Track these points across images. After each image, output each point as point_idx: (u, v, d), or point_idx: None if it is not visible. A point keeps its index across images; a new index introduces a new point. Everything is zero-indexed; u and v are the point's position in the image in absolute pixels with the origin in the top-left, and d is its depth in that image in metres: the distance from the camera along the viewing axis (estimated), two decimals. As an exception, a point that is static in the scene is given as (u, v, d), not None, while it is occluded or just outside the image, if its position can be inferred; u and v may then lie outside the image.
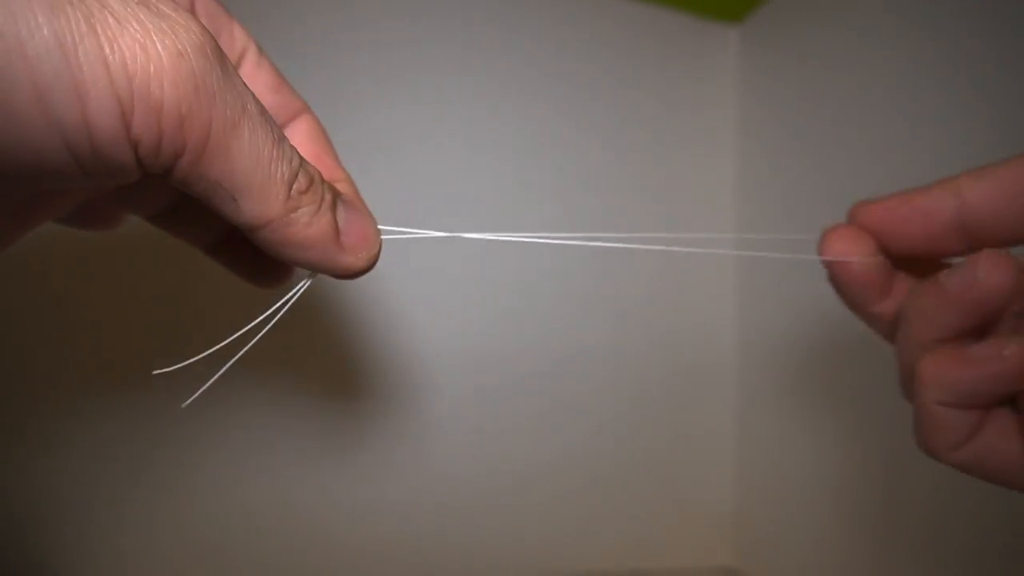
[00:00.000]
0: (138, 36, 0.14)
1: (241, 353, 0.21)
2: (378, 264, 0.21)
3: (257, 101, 0.17)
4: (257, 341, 0.21)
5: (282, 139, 0.18)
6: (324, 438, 0.44)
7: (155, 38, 0.15)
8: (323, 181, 0.19)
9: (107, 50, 0.14)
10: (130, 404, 0.41)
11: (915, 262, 0.24)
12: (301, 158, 0.18)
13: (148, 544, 0.41)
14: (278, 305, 0.21)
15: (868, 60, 0.43)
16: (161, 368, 0.21)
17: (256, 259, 0.27)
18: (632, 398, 0.52)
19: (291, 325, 0.43)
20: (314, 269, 0.20)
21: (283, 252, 0.19)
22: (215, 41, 0.16)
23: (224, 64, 0.16)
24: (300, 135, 0.24)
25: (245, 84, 0.17)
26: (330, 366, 0.45)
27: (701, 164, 0.56)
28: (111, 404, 0.40)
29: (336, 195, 0.20)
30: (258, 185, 0.17)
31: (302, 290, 0.21)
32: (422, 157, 0.47)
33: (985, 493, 0.34)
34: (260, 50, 0.23)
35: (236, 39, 0.22)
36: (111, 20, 0.14)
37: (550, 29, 0.51)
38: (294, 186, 0.18)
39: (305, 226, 0.18)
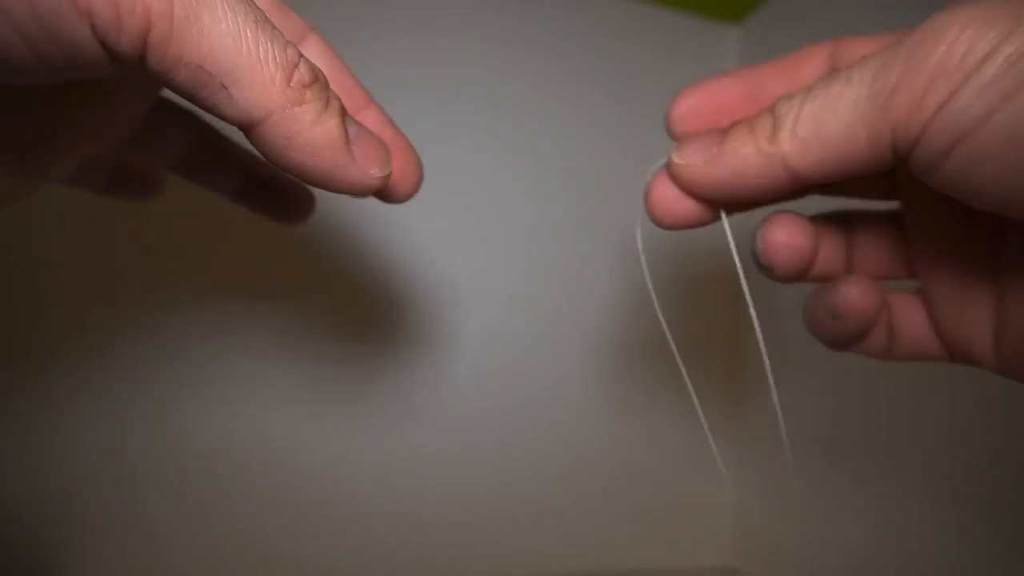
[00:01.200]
0: None
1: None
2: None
3: None
4: (267, 276, 0.20)
5: (265, 21, 0.16)
6: (335, 385, 0.44)
7: None
8: (329, 86, 0.18)
9: None
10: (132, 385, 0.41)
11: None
12: (299, 52, 0.17)
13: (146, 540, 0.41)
14: None
15: (868, 60, 0.43)
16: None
17: (277, 197, 0.27)
18: (632, 397, 0.52)
19: (302, 258, 0.43)
20: (322, 182, 0.18)
21: (288, 157, 0.17)
22: None
23: None
24: (312, 56, 0.22)
25: None
26: (345, 300, 0.45)
27: (701, 164, 0.55)
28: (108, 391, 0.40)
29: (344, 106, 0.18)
30: (246, 67, 0.15)
31: None
32: (421, 154, 0.47)
33: (985, 495, 0.34)
34: None
35: None
36: None
37: (550, 29, 0.51)
38: (295, 76, 0.16)
39: (311, 124, 0.17)
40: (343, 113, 0.18)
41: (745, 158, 0.19)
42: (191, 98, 0.16)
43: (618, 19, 0.53)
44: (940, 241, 0.21)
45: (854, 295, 0.21)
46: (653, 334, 0.53)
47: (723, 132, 0.20)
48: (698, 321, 0.54)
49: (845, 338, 0.22)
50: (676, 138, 0.22)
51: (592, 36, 0.52)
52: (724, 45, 0.57)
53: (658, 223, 0.22)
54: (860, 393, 0.43)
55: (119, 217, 0.40)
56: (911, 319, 0.22)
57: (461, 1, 0.49)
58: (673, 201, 0.21)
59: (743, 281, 0.22)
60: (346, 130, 0.18)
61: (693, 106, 0.22)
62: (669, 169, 0.21)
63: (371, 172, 0.18)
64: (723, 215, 0.21)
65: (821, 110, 0.17)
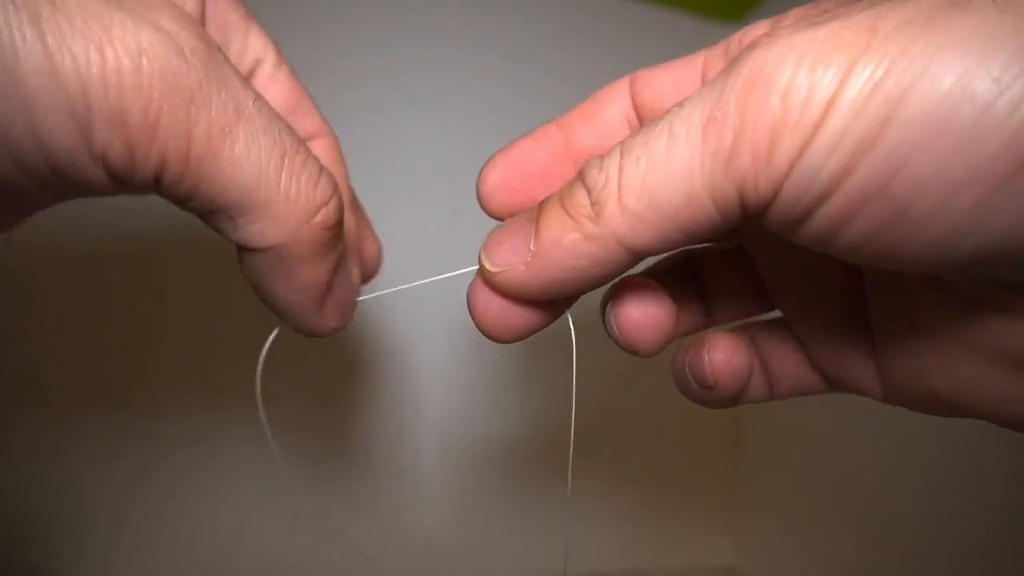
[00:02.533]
0: (93, 37, 0.13)
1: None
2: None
3: (261, 104, 0.15)
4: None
5: (303, 152, 0.15)
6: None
7: (115, 38, 0.13)
8: (343, 227, 0.17)
9: (56, 57, 0.12)
10: (132, 412, 0.41)
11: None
12: (334, 187, 0.16)
13: (146, 550, 0.41)
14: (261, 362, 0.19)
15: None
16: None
17: None
18: (632, 397, 0.52)
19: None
20: (280, 314, 0.17)
21: (269, 284, 0.16)
22: (200, 36, 0.14)
23: (213, 61, 0.14)
24: None
25: (249, 86, 0.15)
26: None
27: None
28: (113, 408, 0.40)
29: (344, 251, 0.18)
30: (261, 202, 0.15)
31: (271, 341, 0.19)
32: (420, 157, 0.47)
33: (976, 504, 0.34)
34: (280, 62, 0.20)
35: (250, 47, 0.19)
36: (62, 21, 0.12)
37: (550, 29, 0.51)
38: (319, 215, 0.15)
39: (306, 266, 0.16)
40: (340, 258, 0.17)
41: (572, 248, 0.15)
42: (199, 216, 0.15)
43: (618, 19, 0.53)
44: (798, 284, 0.19)
45: (720, 362, 0.19)
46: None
47: (534, 215, 0.16)
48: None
49: (723, 403, 0.21)
50: (494, 216, 0.19)
51: (592, 36, 0.52)
52: (724, 45, 0.57)
53: (495, 340, 0.18)
54: (858, 400, 0.43)
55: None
56: (786, 357, 0.20)
57: (460, 1, 0.49)
58: (500, 314, 0.17)
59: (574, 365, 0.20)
60: (332, 277, 0.17)
61: (499, 180, 0.19)
62: (484, 278, 0.17)
63: (330, 324, 0.18)
64: (569, 318, 0.18)
65: (649, 175, 0.14)
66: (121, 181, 0.14)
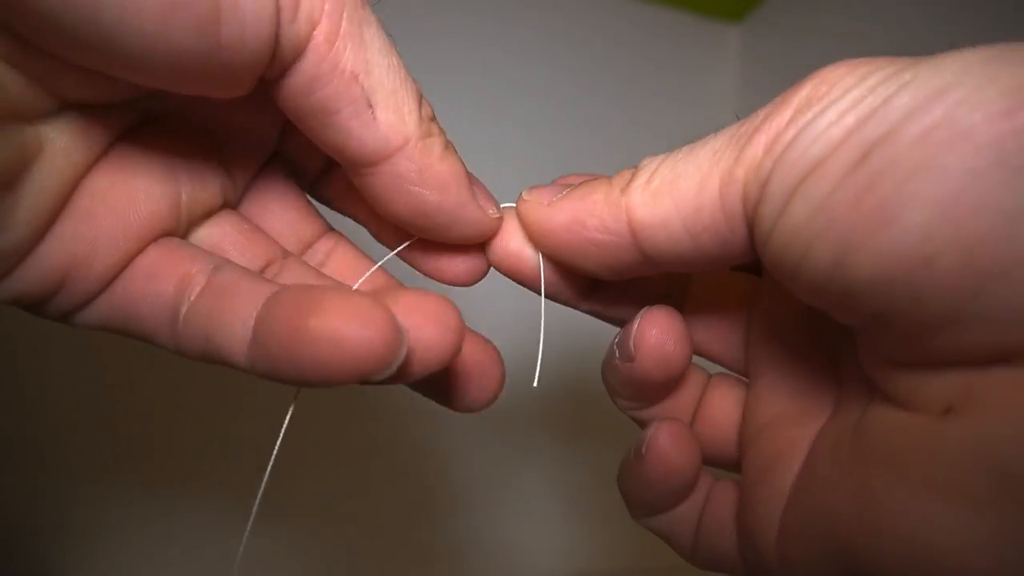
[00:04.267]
0: None
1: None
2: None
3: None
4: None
5: (401, 64, 0.15)
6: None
7: None
8: None
9: None
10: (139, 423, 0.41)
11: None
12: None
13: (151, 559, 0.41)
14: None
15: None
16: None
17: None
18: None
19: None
20: (444, 224, 0.16)
21: (414, 195, 0.15)
22: None
23: None
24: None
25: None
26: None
27: (701, 163, 0.56)
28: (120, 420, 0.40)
29: None
30: (391, 90, 0.15)
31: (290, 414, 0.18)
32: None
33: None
34: None
35: None
36: None
37: (551, 28, 0.51)
38: (423, 108, 0.15)
39: (440, 157, 0.15)
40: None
41: (589, 204, 0.16)
42: (321, 123, 0.15)
43: (618, 18, 0.53)
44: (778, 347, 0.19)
45: (650, 335, 0.18)
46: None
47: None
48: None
49: (642, 392, 0.20)
50: None
51: (592, 35, 0.52)
52: (724, 45, 0.57)
53: (492, 263, 0.19)
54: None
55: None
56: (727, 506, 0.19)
57: (458, 1, 0.49)
58: (509, 239, 0.18)
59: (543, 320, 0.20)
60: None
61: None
62: (517, 204, 0.18)
63: (490, 212, 0.17)
64: (541, 258, 0.18)
65: (681, 160, 0.15)
66: (279, 34, 0.13)
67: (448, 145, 0.16)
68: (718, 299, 0.20)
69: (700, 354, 0.21)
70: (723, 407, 0.20)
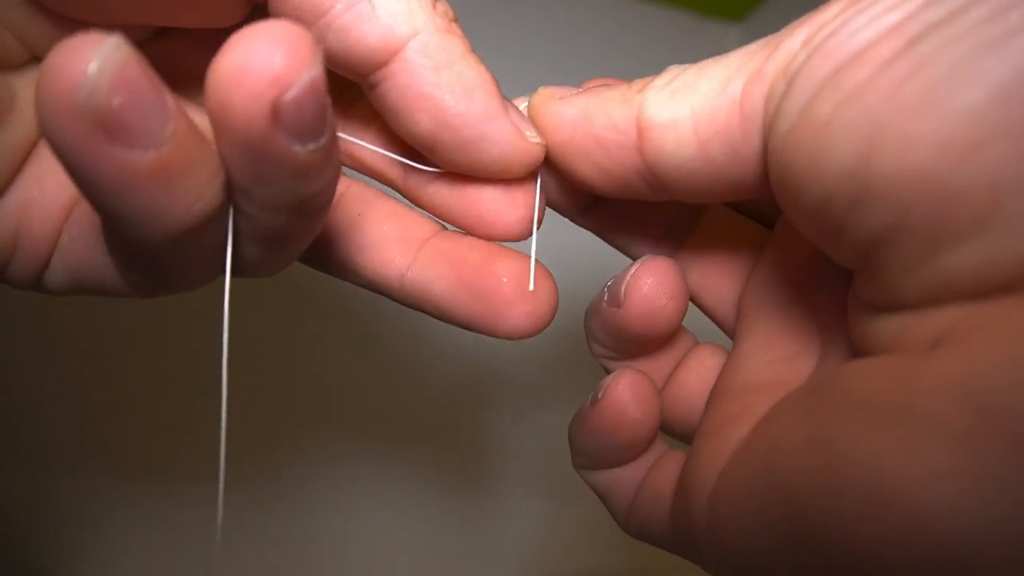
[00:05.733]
0: None
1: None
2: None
3: None
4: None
5: None
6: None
7: None
8: None
9: None
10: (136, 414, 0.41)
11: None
12: None
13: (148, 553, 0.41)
14: None
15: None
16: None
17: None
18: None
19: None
20: (471, 143, 0.15)
21: (433, 99, 0.14)
22: None
23: None
24: None
25: None
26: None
27: (701, 163, 0.55)
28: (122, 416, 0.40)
29: None
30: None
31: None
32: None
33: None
34: None
35: None
36: None
37: (550, 28, 0.51)
38: (439, 5, 0.15)
39: (461, 56, 0.14)
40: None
41: (602, 100, 0.15)
42: (318, 29, 0.13)
43: (618, 18, 0.53)
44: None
45: (646, 282, 0.17)
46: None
47: None
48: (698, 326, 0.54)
49: (629, 345, 0.18)
50: None
51: (591, 35, 0.52)
52: (724, 44, 0.57)
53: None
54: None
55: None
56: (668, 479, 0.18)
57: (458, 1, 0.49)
58: (514, 129, 0.16)
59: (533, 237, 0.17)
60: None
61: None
62: (530, 97, 0.17)
63: (527, 132, 0.15)
64: (538, 177, 0.17)
65: (710, 63, 0.14)
66: None
67: (472, 52, 0.14)
68: (722, 245, 0.19)
69: (691, 299, 0.19)
70: (700, 373, 0.19)
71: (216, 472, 0.12)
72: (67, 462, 0.39)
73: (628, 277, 0.17)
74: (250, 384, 0.42)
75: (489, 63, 0.15)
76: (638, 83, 0.15)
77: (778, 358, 0.17)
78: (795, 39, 0.12)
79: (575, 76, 0.55)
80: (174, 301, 0.41)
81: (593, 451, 0.19)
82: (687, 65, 0.14)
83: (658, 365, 0.19)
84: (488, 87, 0.15)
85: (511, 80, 0.56)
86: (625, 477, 0.19)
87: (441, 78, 0.14)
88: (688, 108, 0.13)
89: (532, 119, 0.16)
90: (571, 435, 0.20)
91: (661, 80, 0.14)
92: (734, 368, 0.18)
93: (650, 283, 0.17)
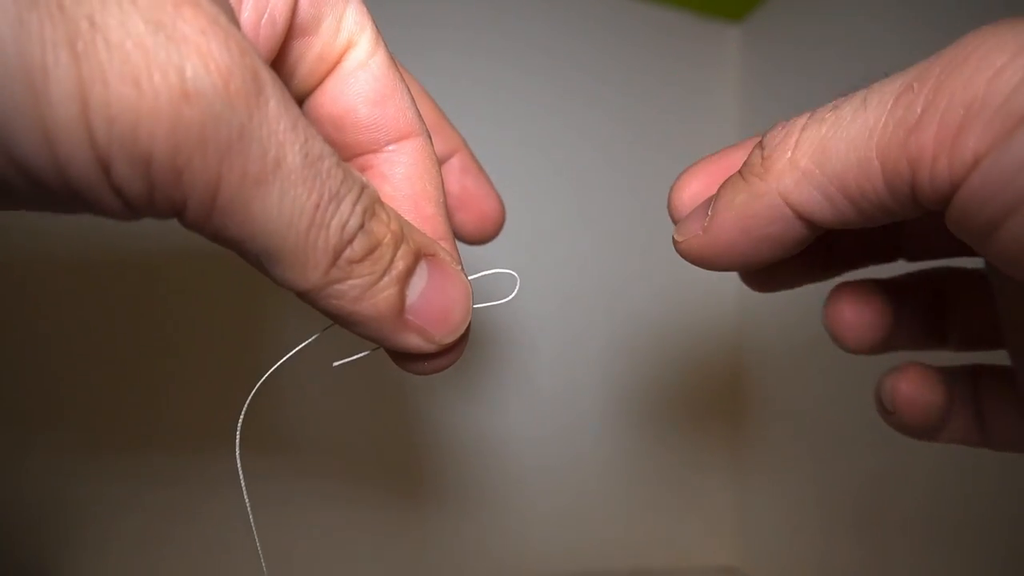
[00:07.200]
0: (133, 67, 0.11)
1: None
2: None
3: (307, 149, 0.13)
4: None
5: (335, 198, 0.14)
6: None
7: (155, 71, 0.11)
8: (397, 245, 0.15)
9: (88, 87, 0.11)
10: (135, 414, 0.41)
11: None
12: (367, 216, 0.15)
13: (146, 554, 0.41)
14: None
15: (868, 57, 0.43)
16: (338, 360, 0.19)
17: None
18: (633, 398, 0.52)
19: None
20: (367, 337, 0.16)
21: (337, 319, 0.16)
22: (251, 69, 0.12)
23: (261, 101, 0.12)
24: (399, 169, 0.18)
25: (298, 126, 0.13)
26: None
27: (701, 163, 0.55)
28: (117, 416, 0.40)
29: (415, 261, 0.16)
30: (290, 250, 0.14)
31: (320, 334, 0.18)
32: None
33: (983, 495, 0.34)
34: (376, 47, 0.18)
35: (344, 26, 0.18)
36: (100, 44, 0.11)
37: (551, 29, 0.51)
38: (345, 254, 0.14)
39: (354, 300, 0.15)
40: (405, 278, 0.16)
41: (741, 208, 0.15)
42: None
43: (618, 18, 0.53)
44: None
45: (904, 392, 0.19)
46: (657, 333, 0.53)
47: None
48: (699, 327, 0.54)
49: (914, 433, 0.20)
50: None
51: (592, 35, 0.52)
52: (724, 44, 0.57)
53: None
54: (859, 402, 0.43)
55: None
56: (1004, 411, 0.19)
57: (458, 1, 0.49)
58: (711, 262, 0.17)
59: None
60: (403, 297, 0.16)
61: (694, 193, 0.19)
62: (677, 248, 0.18)
63: (431, 337, 0.17)
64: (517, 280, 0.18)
65: (828, 135, 0.14)
66: (137, 211, 0.13)
67: (381, 279, 0.15)
68: (966, 295, 0.20)
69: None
70: (1001, 407, 0.20)
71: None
72: (67, 462, 0.39)
73: (886, 388, 0.19)
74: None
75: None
76: (747, 170, 0.16)
77: None
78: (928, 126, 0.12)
79: (574, 75, 0.56)
80: (184, 311, 0.41)
81: (928, 432, 0.20)
82: (791, 128, 0.15)
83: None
84: (379, 317, 0.16)
85: (511, 79, 0.56)
86: (963, 425, 0.20)
87: (337, 315, 0.16)
88: (833, 184, 0.14)
89: (695, 263, 0.17)
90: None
91: (783, 158, 0.15)
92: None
93: (905, 387, 0.19)
